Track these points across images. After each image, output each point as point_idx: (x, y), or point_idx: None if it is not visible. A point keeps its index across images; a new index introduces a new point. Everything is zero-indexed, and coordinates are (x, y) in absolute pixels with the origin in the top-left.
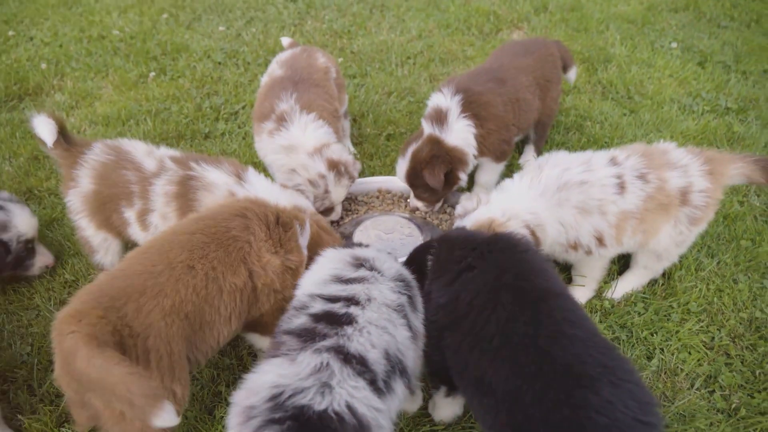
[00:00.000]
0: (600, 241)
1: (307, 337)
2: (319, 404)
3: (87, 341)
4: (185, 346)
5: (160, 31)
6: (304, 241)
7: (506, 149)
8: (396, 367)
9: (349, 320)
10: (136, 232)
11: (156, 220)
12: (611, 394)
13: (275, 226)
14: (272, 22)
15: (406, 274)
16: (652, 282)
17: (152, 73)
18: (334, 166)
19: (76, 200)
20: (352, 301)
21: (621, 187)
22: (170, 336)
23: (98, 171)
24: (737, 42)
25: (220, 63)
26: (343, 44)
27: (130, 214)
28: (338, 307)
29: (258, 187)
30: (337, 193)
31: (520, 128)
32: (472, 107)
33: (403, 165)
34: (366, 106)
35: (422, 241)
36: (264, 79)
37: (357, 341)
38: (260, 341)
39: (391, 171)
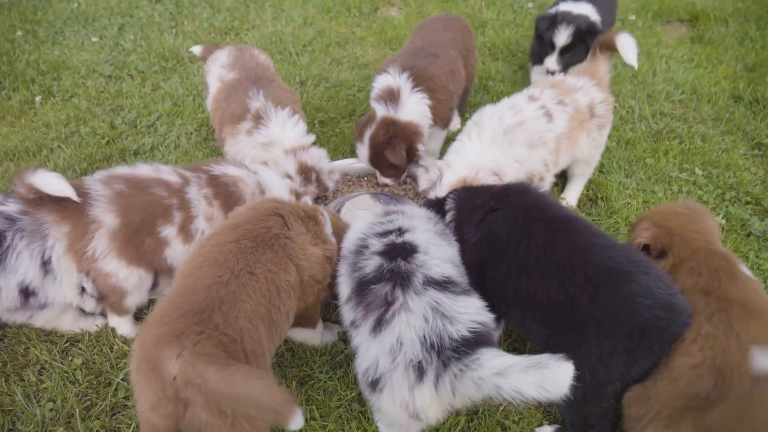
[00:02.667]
0: (547, 166)
1: (399, 279)
2: (459, 331)
3: (210, 360)
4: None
5: (24, 50)
6: (329, 230)
7: (450, 116)
8: (463, 273)
9: (412, 247)
10: (174, 249)
11: (201, 225)
12: (646, 281)
13: (307, 219)
14: (147, 26)
15: (430, 213)
16: (596, 206)
17: (38, 97)
18: (304, 170)
19: (104, 241)
20: (400, 231)
21: (548, 115)
22: (260, 336)
23: (119, 203)
24: None
25: (110, 76)
26: (235, 41)
27: (169, 231)
28: (394, 237)
29: (264, 176)
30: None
31: (457, 97)
32: (421, 81)
33: (363, 150)
34: None
35: None
36: (216, 86)
37: (433, 264)
38: (302, 334)
39: (336, 155)
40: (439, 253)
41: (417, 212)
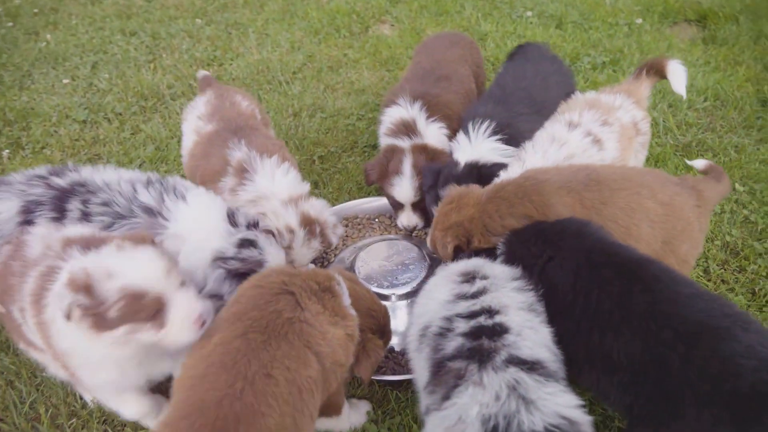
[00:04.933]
0: None
1: (478, 356)
2: (536, 424)
3: None
4: None
5: None
6: (347, 300)
7: None
8: (560, 361)
9: (503, 329)
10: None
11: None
12: (748, 338)
13: (322, 293)
14: (123, 62)
15: (516, 272)
16: None
17: (5, 151)
18: (308, 223)
19: None
20: (490, 312)
21: (597, 142)
22: None
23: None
24: (575, 2)
25: (85, 121)
26: (218, 72)
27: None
28: (483, 320)
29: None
30: (301, 255)
31: None
32: (436, 109)
33: (407, 183)
34: (280, 132)
35: (424, 257)
36: (192, 139)
37: (525, 345)
38: (326, 423)
39: (341, 195)
40: (533, 336)
41: (501, 275)
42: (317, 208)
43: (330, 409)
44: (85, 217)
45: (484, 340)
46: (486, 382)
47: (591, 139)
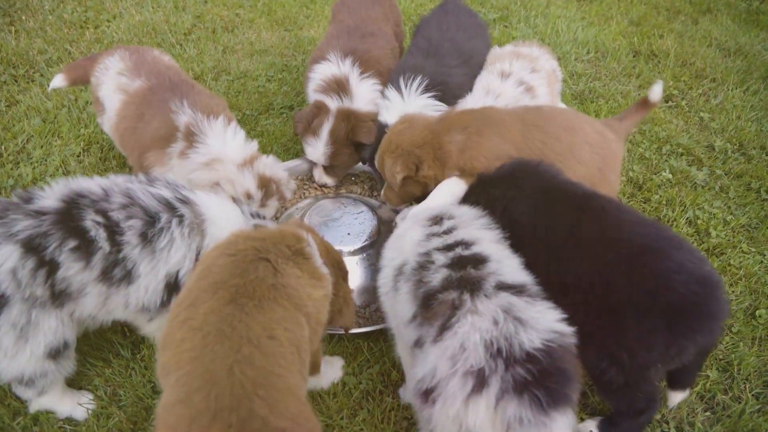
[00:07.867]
0: None
1: (468, 285)
2: (534, 341)
3: None
4: None
5: None
6: (319, 260)
7: None
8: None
9: (483, 258)
10: None
11: None
12: (679, 257)
13: (295, 257)
14: None
15: (480, 213)
16: None
17: None
18: (264, 184)
19: None
20: (465, 243)
21: (529, 90)
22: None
23: None
24: None
25: None
26: (97, 35)
27: None
28: (461, 251)
29: None
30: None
31: None
32: (369, 65)
33: (320, 146)
34: None
35: (372, 212)
36: (119, 99)
37: (507, 271)
38: (312, 382)
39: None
40: (511, 263)
41: (466, 215)
42: (270, 165)
43: (312, 368)
44: (113, 230)
45: (469, 270)
46: (481, 309)
47: (524, 87)
